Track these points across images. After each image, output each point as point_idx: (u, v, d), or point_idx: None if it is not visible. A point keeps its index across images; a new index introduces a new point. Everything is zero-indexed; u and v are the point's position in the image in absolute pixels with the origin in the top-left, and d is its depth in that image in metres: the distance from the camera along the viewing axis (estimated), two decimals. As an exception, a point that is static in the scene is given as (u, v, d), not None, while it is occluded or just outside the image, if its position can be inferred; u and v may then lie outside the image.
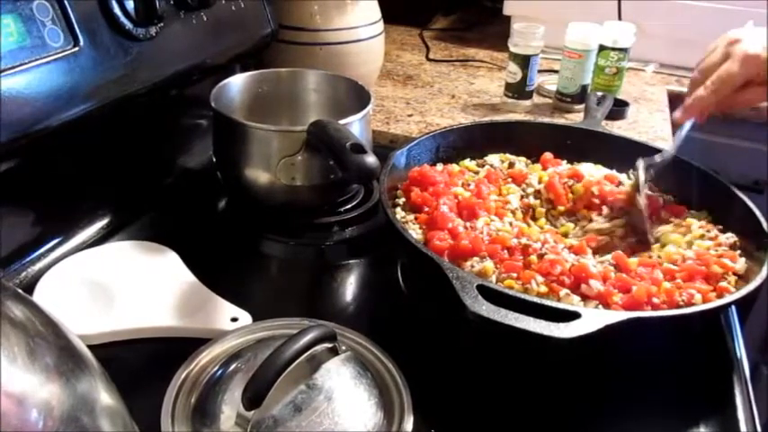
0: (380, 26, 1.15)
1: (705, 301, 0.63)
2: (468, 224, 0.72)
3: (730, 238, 0.73)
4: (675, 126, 0.76)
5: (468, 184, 0.81)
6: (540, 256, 0.67)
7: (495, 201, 0.78)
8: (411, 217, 0.76)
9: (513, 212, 0.77)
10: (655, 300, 0.62)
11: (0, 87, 0.60)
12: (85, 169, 0.78)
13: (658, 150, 0.89)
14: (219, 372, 0.55)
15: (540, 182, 0.82)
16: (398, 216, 0.76)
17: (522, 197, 0.80)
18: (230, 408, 0.51)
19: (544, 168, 0.86)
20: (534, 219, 0.79)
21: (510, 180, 0.83)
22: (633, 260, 0.68)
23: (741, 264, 0.69)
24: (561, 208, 0.79)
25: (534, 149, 0.88)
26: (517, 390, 0.62)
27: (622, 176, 0.84)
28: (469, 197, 0.76)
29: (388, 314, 0.72)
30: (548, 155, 0.87)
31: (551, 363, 0.62)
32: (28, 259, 0.72)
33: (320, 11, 1.07)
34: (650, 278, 0.65)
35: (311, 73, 0.97)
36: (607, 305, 0.62)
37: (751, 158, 1.34)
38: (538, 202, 0.80)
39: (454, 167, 0.85)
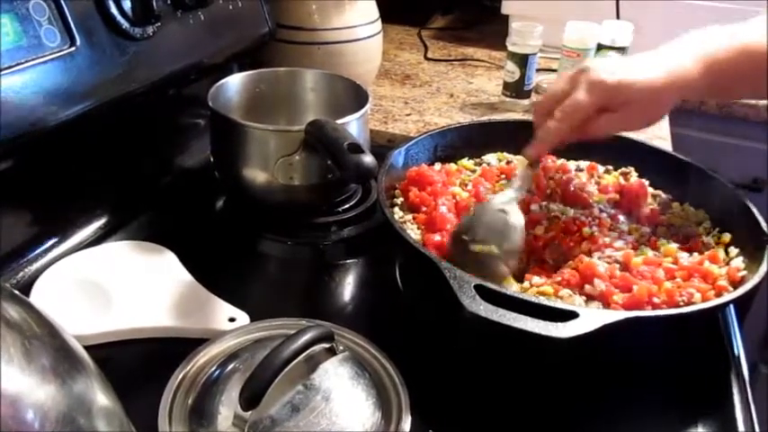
0: (378, 25, 1.15)
1: (704, 299, 0.63)
2: None
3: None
4: (530, 162, 0.74)
5: (466, 184, 0.81)
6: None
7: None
8: (409, 217, 0.76)
9: None
10: (655, 299, 0.62)
11: (-4, 87, 0.60)
12: (82, 169, 0.78)
13: (656, 149, 0.89)
14: (217, 372, 0.55)
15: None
16: (396, 216, 0.76)
17: None
18: (227, 408, 0.51)
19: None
20: (527, 213, 0.79)
21: (503, 177, 0.83)
22: (637, 259, 0.68)
23: (739, 262, 0.69)
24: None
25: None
26: (515, 390, 0.62)
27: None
28: (467, 197, 0.76)
29: (386, 314, 0.72)
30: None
31: (549, 362, 0.62)
32: (24, 260, 0.72)
33: (318, 10, 1.07)
34: (652, 277, 0.65)
35: (309, 72, 0.97)
36: (607, 304, 0.62)
37: (749, 157, 1.35)
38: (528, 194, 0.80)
39: (452, 167, 0.85)
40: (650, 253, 0.70)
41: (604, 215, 0.75)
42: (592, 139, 0.71)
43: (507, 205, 0.70)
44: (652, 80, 0.67)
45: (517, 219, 0.69)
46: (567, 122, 0.68)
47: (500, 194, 0.74)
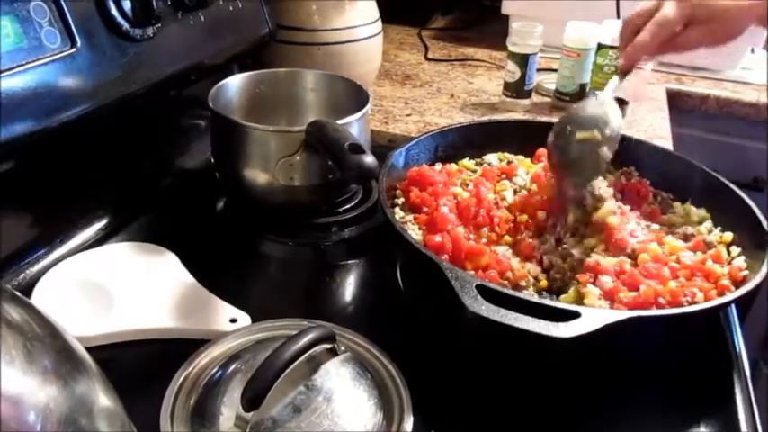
0: (379, 26, 1.15)
1: (707, 299, 0.63)
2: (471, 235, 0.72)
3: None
4: (620, 72, 0.79)
5: (467, 184, 0.81)
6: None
7: (493, 198, 0.78)
8: (410, 217, 0.76)
9: (509, 208, 0.77)
10: (661, 300, 0.62)
11: (-3, 89, 0.60)
12: (83, 170, 0.78)
13: (657, 149, 0.89)
14: (218, 373, 0.55)
15: (527, 174, 0.83)
16: (397, 216, 0.76)
17: (515, 191, 0.80)
18: (229, 409, 0.50)
19: (537, 163, 0.86)
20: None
21: (504, 177, 0.83)
22: (644, 255, 0.68)
23: (741, 262, 0.69)
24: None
25: (533, 148, 0.88)
26: (517, 389, 0.62)
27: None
28: (468, 197, 0.76)
29: (388, 314, 0.72)
30: (542, 150, 0.87)
31: (551, 362, 0.62)
32: (26, 261, 0.72)
33: (318, 11, 1.07)
34: (658, 275, 0.65)
35: (309, 73, 0.97)
36: (613, 302, 0.62)
37: (750, 157, 1.35)
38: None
39: (453, 167, 0.85)
40: (659, 249, 0.69)
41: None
42: (678, 52, 0.76)
43: (607, 99, 0.77)
44: None
45: (614, 110, 0.76)
46: (656, 36, 0.73)
47: (598, 93, 0.79)
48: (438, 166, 0.85)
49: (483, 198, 0.76)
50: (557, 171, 0.76)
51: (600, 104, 0.76)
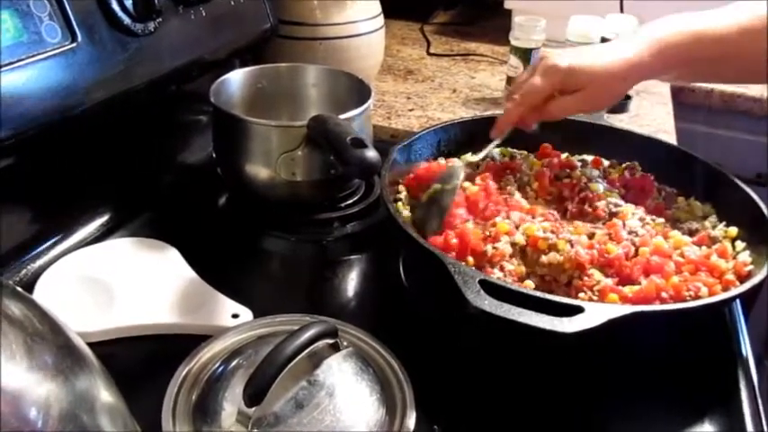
0: (381, 20, 1.14)
1: (711, 294, 0.62)
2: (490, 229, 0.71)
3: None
4: (492, 137, 0.81)
5: (474, 178, 0.80)
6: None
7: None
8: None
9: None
10: (663, 294, 0.61)
11: (-3, 84, 0.60)
12: (85, 166, 0.78)
13: (661, 143, 0.89)
14: (220, 369, 0.55)
15: (531, 170, 0.82)
16: (404, 213, 0.75)
17: (518, 187, 0.80)
18: (231, 405, 0.50)
19: (541, 158, 0.85)
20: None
21: (508, 172, 0.82)
22: (644, 249, 0.67)
23: (746, 256, 0.68)
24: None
25: (536, 143, 0.87)
26: (520, 384, 0.62)
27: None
28: (477, 191, 0.75)
29: (390, 310, 0.72)
30: (546, 146, 0.87)
31: (554, 357, 0.62)
32: (27, 257, 0.71)
33: (320, 5, 1.07)
34: (662, 270, 0.65)
35: (311, 68, 0.96)
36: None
37: (753, 152, 1.34)
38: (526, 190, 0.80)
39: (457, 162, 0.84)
40: (664, 244, 0.69)
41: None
42: (550, 118, 0.78)
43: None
44: (604, 65, 0.73)
45: (457, 163, 0.79)
46: (523, 103, 0.76)
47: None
48: (442, 161, 0.84)
49: (491, 192, 0.76)
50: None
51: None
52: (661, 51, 0.74)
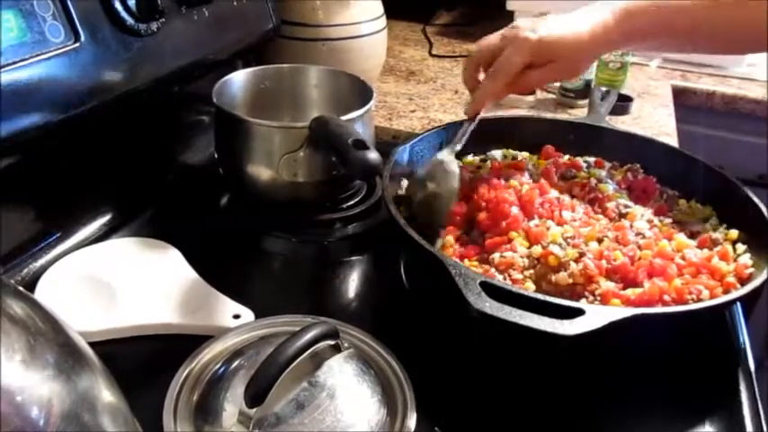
0: (383, 22, 1.14)
1: (713, 296, 0.62)
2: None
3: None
4: (469, 118, 0.82)
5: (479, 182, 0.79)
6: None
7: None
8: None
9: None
10: (666, 297, 0.61)
11: (0, 83, 0.60)
12: (87, 166, 0.78)
13: (663, 145, 0.89)
14: (222, 369, 0.55)
15: (537, 169, 0.82)
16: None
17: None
18: (233, 405, 0.50)
19: (546, 159, 0.85)
20: None
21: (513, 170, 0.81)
22: (646, 252, 0.67)
23: (747, 259, 0.68)
24: None
25: (537, 145, 0.88)
26: (521, 386, 0.62)
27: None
28: (531, 190, 0.74)
29: (391, 311, 0.72)
30: (549, 147, 0.87)
31: (555, 359, 0.62)
32: (29, 256, 0.71)
33: (322, 6, 1.07)
34: (664, 273, 0.65)
35: (313, 69, 0.96)
36: (607, 302, 0.62)
37: (755, 153, 1.34)
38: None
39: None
40: (667, 247, 0.69)
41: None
42: (525, 91, 0.81)
43: (446, 157, 0.79)
44: (574, 35, 0.74)
45: (453, 167, 0.78)
46: (500, 80, 0.76)
47: (441, 152, 0.80)
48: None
49: (546, 190, 0.75)
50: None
51: (439, 162, 0.78)
52: (628, 20, 0.74)
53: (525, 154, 0.88)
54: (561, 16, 0.77)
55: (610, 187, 0.78)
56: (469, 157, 0.87)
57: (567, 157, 0.86)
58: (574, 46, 0.74)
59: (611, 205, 0.75)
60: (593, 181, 0.79)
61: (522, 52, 0.74)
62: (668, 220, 0.74)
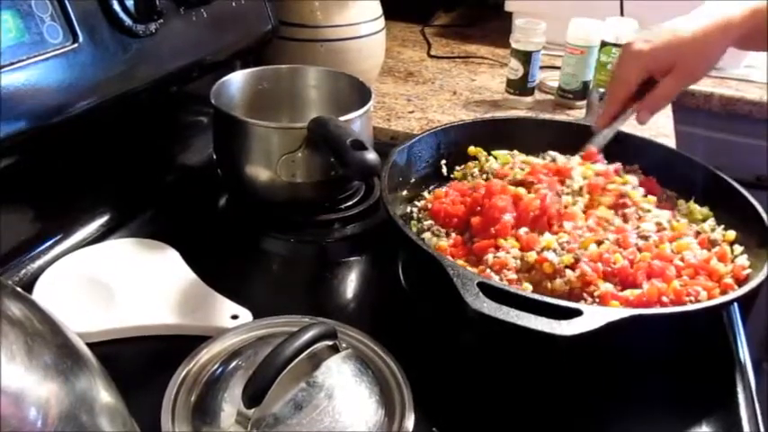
0: (381, 22, 1.14)
1: (710, 297, 0.63)
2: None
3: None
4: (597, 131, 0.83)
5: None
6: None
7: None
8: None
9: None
10: (664, 298, 0.62)
11: (-1, 84, 0.60)
12: (85, 166, 0.78)
13: (661, 147, 0.89)
14: (220, 370, 0.55)
15: (584, 178, 0.77)
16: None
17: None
18: (231, 406, 0.50)
19: (592, 162, 0.82)
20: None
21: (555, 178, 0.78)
22: (646, 254, 0.67)
23: (744, 260, 0.68)
24: None
25: (536, 146, 0.88)
26: (519, 387, 0.62)
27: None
28: (532, 200, 0.71)
29: (389, 311, 0.72)
30: (592, 150, 0.83)
31: (553, 360, 0.62)
32: (27, 257, 0.72)
33: (321, 7, 1.07)
34: (663, 274, 0.65)
35: (312, 69, 0.97)
36: (606, 304, 0.62)
37: (753, 155, 1.34)
38: (577, 199, 0.76)
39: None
40: (666, 248, 0.69)
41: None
42: (660, 108, 0.79)
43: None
44: (691, 33, 0.72)
45: None
46: (616, 94, 0.77)
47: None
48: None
49: (548, 206, 0.71)
50: None
51: None
52: (753, 12, 0.73)
53: (522, 155, 0.86)
54: (674, 20, 0.75)
55: (638, 194, 0.76)
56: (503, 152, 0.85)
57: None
58: (691, 44, 0.72)
59: (630, 211, 0.74)
60: (626, 186, 0.77)
61: (634, 64, 0.74)
62: (684, 221, 0.74)
